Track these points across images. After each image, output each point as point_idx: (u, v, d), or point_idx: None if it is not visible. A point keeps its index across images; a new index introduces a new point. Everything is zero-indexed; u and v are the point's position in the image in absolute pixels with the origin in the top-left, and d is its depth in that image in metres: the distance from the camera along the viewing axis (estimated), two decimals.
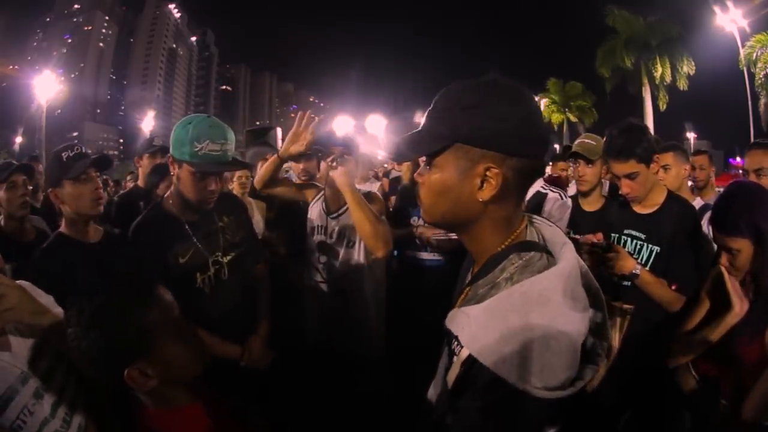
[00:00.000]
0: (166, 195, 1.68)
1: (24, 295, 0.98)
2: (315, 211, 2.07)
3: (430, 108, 0.76)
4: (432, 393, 0.87)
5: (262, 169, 2.04)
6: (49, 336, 0.99)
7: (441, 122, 0.72)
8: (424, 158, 0.78)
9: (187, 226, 1.59)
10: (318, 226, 2.04)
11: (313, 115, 1.81)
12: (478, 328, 0.67)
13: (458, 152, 0.71)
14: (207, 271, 1.61)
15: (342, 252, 1.96)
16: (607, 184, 2.20)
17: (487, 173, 0.69)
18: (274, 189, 2.05)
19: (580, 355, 0.66)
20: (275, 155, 1.90)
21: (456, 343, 0.72)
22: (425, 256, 2.47)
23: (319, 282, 2.03)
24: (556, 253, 0.74)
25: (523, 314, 0.64)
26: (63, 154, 1.52)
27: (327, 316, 2.02)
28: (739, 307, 1.20)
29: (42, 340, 1.01)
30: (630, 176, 1.65)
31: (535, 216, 0.83)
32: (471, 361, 0.67)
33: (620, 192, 1.74)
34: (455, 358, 0.71)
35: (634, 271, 1.59)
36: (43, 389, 0.96)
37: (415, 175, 0.81)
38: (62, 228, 1.57)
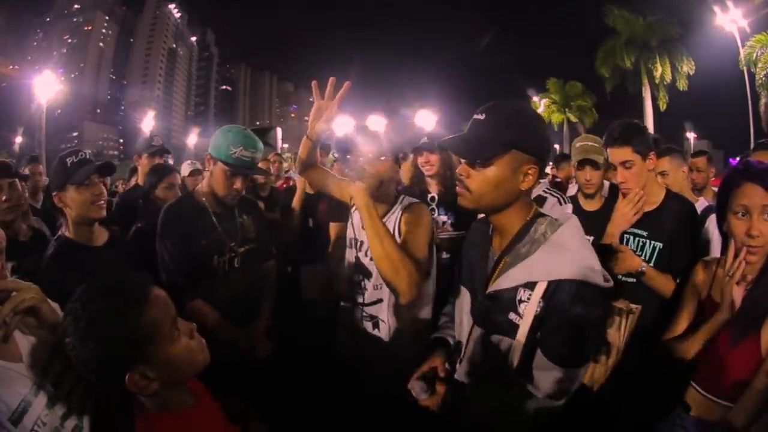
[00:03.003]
0: (197, 187, 1.93)
1: (40, 293, 1.00)
2: (354, 221, 1.75)
3: (482, 117, 1.02)
4: (482, 366, 1.10)
5: (299, 153, 1.75)
6: (59, 340, 0.98)
7: (505, 132, 1.00)
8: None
9: (212, 215, 1.83)
10: (353, 239, 1.76)
11: (338, 82, 1.52)
12: (550, 264, 0.98)
13: (513, 156, 1.01)
14: (223, 255, 1.82)
15: (375, 273, 1.64)
16: (607, 185, 2.21)
17: (529, 171, 1.02)
18: (314, 176, 1.80)
19: None
20: (305, 137, 1.64)
21: (523, 290, 1.00)
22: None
23: (350, 302, 1.78)
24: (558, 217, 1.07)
25: (573, 243, 1.00)
26: (67, 160, 1.55)
27: (356, 340, 1.74)
28: (728, 312, 1.20)
29: (53, 346, 1.01)
30: (625, 164, 1.70)
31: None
32: (552, 289, 0.96)
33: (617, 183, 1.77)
34: (524, 305, 0.99)
35: (640, 269, 1.65)
36: (54, 398, 0.96)
37: (459, 169, 1.06)
38: (67, 232, 1.59)
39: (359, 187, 1.39)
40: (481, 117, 1.02)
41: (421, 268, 1.42)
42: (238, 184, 1.78)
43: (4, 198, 1.92)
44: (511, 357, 1.01)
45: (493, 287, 1.04)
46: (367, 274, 1.69)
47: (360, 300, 1.70)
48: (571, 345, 0.97)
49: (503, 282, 1.02)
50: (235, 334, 1.78)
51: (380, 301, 1.66)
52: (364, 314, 1.69)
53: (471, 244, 1.24)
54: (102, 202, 1.58)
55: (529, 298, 0.98)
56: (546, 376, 0.99)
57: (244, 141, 1.74)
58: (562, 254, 0.98)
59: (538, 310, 0.97)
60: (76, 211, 1.56)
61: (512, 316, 1.01)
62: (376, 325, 1.68)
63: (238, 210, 1.90)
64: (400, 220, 1.59)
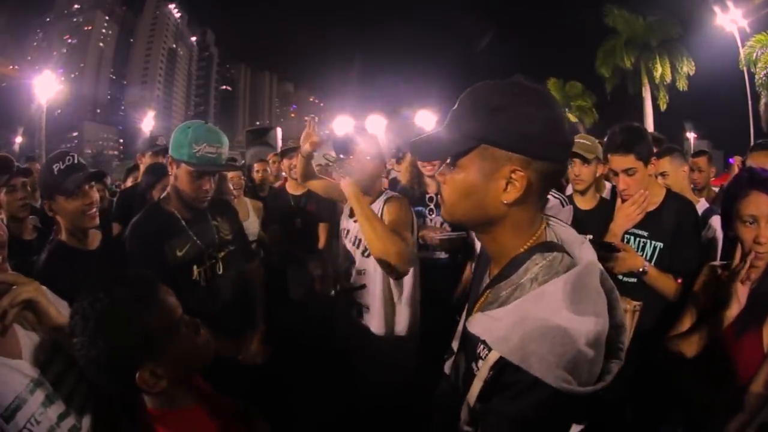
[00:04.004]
0: (163, 195, 1.77)
1: (40, 288, 0.99)
2: (345, 212, 1.98)
3: (454, 107, 0.76)
4: (445, 398, 0.87)
5: (297, 167, 2.16)
6: (62, 339, 0.97)
7: (467, 123, 0.72)
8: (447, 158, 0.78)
9: (183, 222, 1.69)
10: (344, 229, 1.96)
11: (311, 116, 1.90)
12: (509, 330, 0.67)
13: (484, 153, 0.71)
14: (203, 264, 1.69)
15: (358, 260, 1.83)
16: (609, 186, 2.20)
17: (512, 175, 0.70)
18: (313, 183, 2.09)
19: (604, 350, 0.68)
20: (299, 155, 2.00)
21: (482, 346, 0.72)
22: (424, 254, 2.47)
23: (340, 289, 1.95)
24: (573, 253, 0.75)
25: (554, 314, 0.65)
26: (54, 166, 1.48)
27: (346, 329, 1.88)
28: (735, 309, 1.24)
29: (54, 344, 1.00)
30: (628, 171, 1.68)
31: (550, 216, 0.83)
32: (503, 364, 0.68)
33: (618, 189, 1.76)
34: (480, 362, 0.72)
35: (643, 269, 1.64)
36: (52, 396, 0.95)
37: (437, 174, 0.82)
38: (61, 236, 1.56)
39: (348, 180, 1.64)
40: (455, 106, 0.77)
41: (409, 244, 1.61)
42: (206, 184, 1.65)
43: (20, 196, 2.07)
44: (464, 410, 0.78)
45: (467, 322, 0.79)
46: (352, 261, 1.86)
47: (346, 286, 1.86)
48: None
49: (471, 323, 0.77)
50: (232, 349, 1.71)
51: (363, 286, 1.81)
52: (351, 301, 1.84)
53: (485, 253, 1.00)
54: (94, 210, 1.53)
55: (484, 359, 0.71)
56: None
57: (206, 136, 1.59)
58: (534, 324, 0.66)
59: (488, 378, 0.71)
60: (68, 220, 1.51)
61: (473, 366, 0.75)
62: (360, 313, 1.81)
63: (210, 212, 1.77)
64: (383, 209, 1.79)
